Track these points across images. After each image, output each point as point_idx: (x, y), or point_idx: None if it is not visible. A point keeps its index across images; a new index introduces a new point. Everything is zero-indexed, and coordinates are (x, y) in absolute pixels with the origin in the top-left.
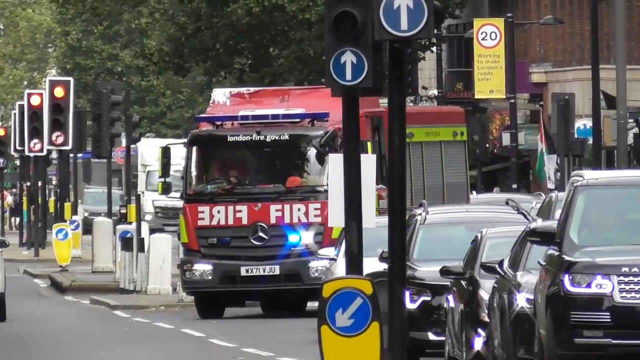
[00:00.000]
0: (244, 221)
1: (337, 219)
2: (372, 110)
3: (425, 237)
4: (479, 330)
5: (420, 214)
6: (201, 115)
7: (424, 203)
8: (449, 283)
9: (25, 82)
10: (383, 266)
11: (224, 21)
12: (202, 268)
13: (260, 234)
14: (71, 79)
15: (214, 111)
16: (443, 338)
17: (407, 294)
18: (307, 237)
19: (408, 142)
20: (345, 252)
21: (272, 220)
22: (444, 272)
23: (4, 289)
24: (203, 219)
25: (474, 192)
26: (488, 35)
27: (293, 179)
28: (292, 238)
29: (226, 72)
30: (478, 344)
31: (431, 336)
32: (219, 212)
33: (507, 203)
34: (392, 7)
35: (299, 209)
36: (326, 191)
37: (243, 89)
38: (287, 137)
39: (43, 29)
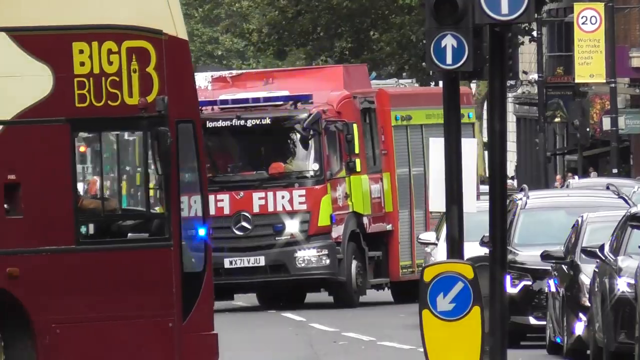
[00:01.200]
0: (226, 211)
1: (438, 204)
2: (361, 91)
3: (526, 222)
4: (580, 314)
5: (521, 199)
6: None
7: (525, 188)
8: (549, 267)
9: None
10: (484, 251)
11: (324, 4)
12: None
13: (243, 223)
14: None
15: None
16: (544, 322)
17: (508, 278)
18: (292, 226)
19: (406, 125)
20: (446, 237)
21: (256, 209)
22: (545, 256)
23: None
24: (182, 209)
25: (576, 177)
26: (588, 20)
27: (276, 165)
28: (277, 227)
29: (327, 56)
30: (579, 328)
31: (532, 320)
32: None
33: (607, 188)
34: None
35: (283, 197)
36: (311, 177)
37: (225, 72)
38: (268, 121)
39: None
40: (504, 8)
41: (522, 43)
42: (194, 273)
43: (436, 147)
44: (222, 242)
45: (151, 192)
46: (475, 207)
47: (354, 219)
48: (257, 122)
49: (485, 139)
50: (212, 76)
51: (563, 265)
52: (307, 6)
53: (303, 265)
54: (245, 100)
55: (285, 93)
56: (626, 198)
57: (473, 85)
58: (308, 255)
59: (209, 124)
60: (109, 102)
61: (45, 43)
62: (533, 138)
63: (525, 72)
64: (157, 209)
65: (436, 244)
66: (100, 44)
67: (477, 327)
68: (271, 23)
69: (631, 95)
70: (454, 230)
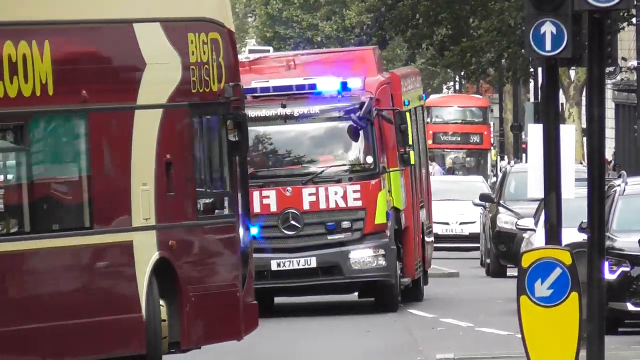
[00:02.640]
0: (273, 208)
1: (536, 190)
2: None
3: (625, 208)
4: None
5: (620, 185)
6: None
7: (623, 174)
8: None
9: None
10: (582, 237)
11: None
12: None
13: (292, 222)
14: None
15: None
16: None
17: (606, 264)
18: (346, 224)
19: (407, 111)
20: (545, 223)
21: (306, 206)
22: None
23: None
24: None
25: None
26: None
27: (327, 158)
28: (329, 226)
29: (427, 44)
30: None
31: (630, 307)
32: None
33: None
34: None
35: (335, 192)
36: (366, 170)
37: (241, 57)
38: (317, 110)
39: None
40: None
41: (622, 29)
42: (244, 247)
43: (534, 133)
44: (269, 242)
45: (225, 173)
46: (574, 193)
47: (394, 215)
48: (305, 112)
49: (584, 125)
50: None
51: None
52: None
53: (358, 267)
54: (288, 88)
55: (323, 79)
56: None
57: (572, 72)
58: (363, 256)
59: (252, 113)
60: (205, 88)
61: (176, 33)
62: (632, 125)
63: (624, 59)
64: (229, 188)
65: (535, 230)
66: (199, 35)
67: (575, 313)
68: (371, 10)
69: None
70: (552, 217)
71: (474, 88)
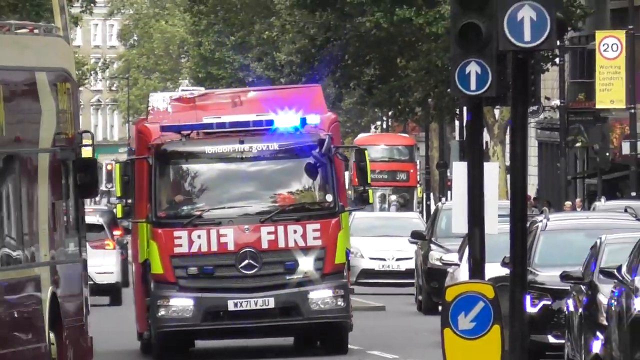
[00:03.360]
0: (230, 247)
1: (461, 226)
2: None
3: (546, 243)
4: (598, 333)
5: (542, 221)
6: (166, 124)
7: (545, 210)
8: (569, 287)
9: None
10: (505, 271)
11: (352, 33)
12: (181, 303)
13: (250, 261)
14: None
15: (156, 119)
16: (563, 341)
17: (528, 298)
18: (305, 264)
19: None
20: (468, 258)
21: (264, 245)
22: (564, 277)
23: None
24: (180, 245)
25: (603, 199)
26: (610, 47)
27: (286, 196)
28: (288, 265)
29: (355, 84)
30: (596, 346)
31: (551, 339)
32: (199, 236)
33: (625, 210)
34: (516, 19)
35: (295, 231)
36: (325, 209)
37: (185, 92)
38: (276, 147)
39: (176, 40)
40: (527, 35)
41: (547, 70)
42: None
43: (459, 170)
44: (225, 282)
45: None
46: (497, 228)
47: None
48: (264, 148)
49: (508, 163)
50: (171, 97)
51: (582, 286)
52: (336, 34)
53: (317, 307)
54: (245, 124)
55: (273, 116)
56: None
57: (496, 111)
58: (323, 297)
59: (208, 150)
60: (66, 134)
61: (53, 81)
62: (555, 162)
63: (547, 98)
64: (80, 230)
65: (459, 265)
66: (62, 84)
67: (497, 345)
68: (301, 51)
69: None
70: (476, 251)
71: (401, 127)
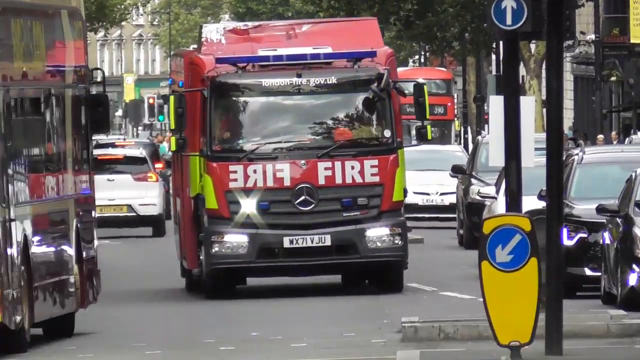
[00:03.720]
0: (286, 182)
1: (497, 159)
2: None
3: (582, 176)
4: (634, 266)
5: (577, 154)
6: (221, 56)
7: (581, 143)
8: (605, 220)
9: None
10: (542, 204)
11: None
12: (236, 239)
13: (307, 197)
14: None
15: (210, 50)
16: (599, 274)
17: (565, 231)
18: (362, 201)
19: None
20: (505, 191)
21: (321, 181)
22: (600, 209)
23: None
24: (236, 180)
25: (639, 132)
26: None
27: (343, 131)
28: (345, 202)
29: (394, 19)
30: (633, 279)
31: (587, 272)
32: (255, 171)
33: None
34: None
35: (352, 167)
36: (384, 145)
37: (240, 24)
38: (334, 80)
39: None
40: None
41: (582, 5)
42: None
43: (495, 104)
44: (281, 218)
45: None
46: (533, 161)
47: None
48: (322, 82)
49: (544, 97)
50: (224, 28)
51: (617, 218)
52: None
53: (374, 245)
54: (302, 57)
55: (330, 50)
56: None
57: (532, 46)
58: (380, 235)
59: (266, 83)
60: (80, 71)
61: (72, 19)
62: (590, 96)
63: (582, 33)
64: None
65: (495, 198)
66: (77, 23)
67: (534, 278)
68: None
69: None
70: (513, 184)
71: (438, 61)
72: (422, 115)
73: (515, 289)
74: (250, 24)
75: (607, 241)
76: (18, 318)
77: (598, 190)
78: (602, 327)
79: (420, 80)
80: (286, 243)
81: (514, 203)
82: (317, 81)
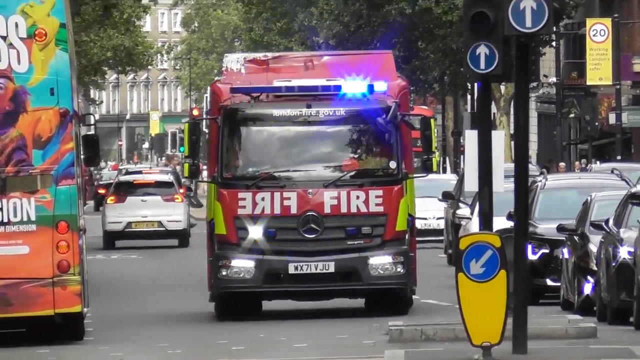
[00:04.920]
0: (293, 210)
1: (472, 184)
2: None
3: (545, 200)
4: (589, 277)
5: (541, 181)
6: (236, 86)
7: (544, 172)
8: (564, 238)
9: (216, 71)
10: (510, 224)
11: (380, 20)
12: (242, 264)
13: (312, 225)
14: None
15: (229, 80)
16: (559, 284)
17: (530, 247)
18: (366, 230)
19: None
20: (479, 212)
21: (327, 210)
22: (560, 229)
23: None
24: (244, 207)
25: (598, 162)
26: (598, 32)
27: (350, 162)
28: (350, 230)
29: None
30: (587, 288)
31: (549, 282)
32: (263, 199)
33: (612, 172)
34: (518, 7)
35: (357, 197)
36: (389, 176)
37: (260, 55)
38: (343, 112)
39: (230, 27)
40: (528, 22)
41: (544, 54)
42: None
43: (470, 138)
44: (287, 245)
45: None
46: (503, 187)
47: (409, 222)
48: (330, 113)
49: (512, 131)
50: (245, 58)
51: (575, 236)
52: (367, 21)
53: (377, 273)
54: (314, 88)
55: (343, 82)
56: (627, 180)
57: (502, 87)
58: (383, 263)
59: (277, 113)
60: None
61: None
62: (552, 131)
63: (545, 76)
64: None
65: (470, 218)
66: None
67: (503, 287)
68: (336, 35)
69: (633, 95)
70: (485, 207)
71: (421, 100)
72: (429, 147)
73: (487, 296)
74: (270, 54)
75: (566, 256)
76: (85, 309)
77: (558, 212)
78: (561, 330)
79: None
80: (291, 269)
81: (486, 223)
82: (326, 112)
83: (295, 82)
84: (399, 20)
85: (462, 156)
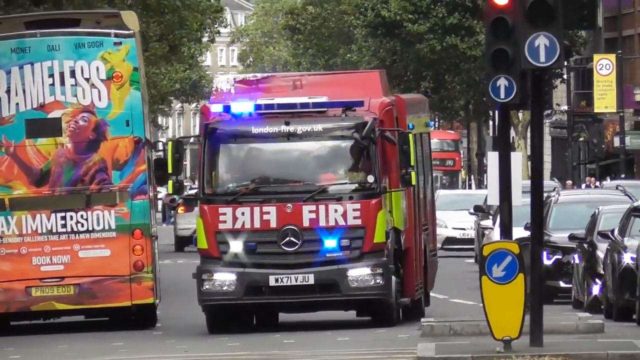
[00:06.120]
0: (273, 224)
1: (494, 199)
2: (391, 99)
3: (558, 212)
4: (597, 280)
5: (554, 196)
6: (216, 104)
7: (557, 188)
8: (575, 245)
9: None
10: (527, 233)
11: (412, 56)
12: (224, 278)
13: (292, 238)
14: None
15: (217, 100)
16: (570, 286)
17: (545, 253)
18: (345, 242)
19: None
20: (500, 223)
21: (305, 223)
22: (571, 237)
23: None
24: (225, 222)
25: (608, 178)
26: (604, 66)
27: (328, 176)
28: (328, 243)
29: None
30: (596, 290)
31: (562, 284)
32: (243, 214)
33: (617, 188)
34: (534, 45)
35: (335, 210)
36: (367, 189)
37: (249, 75)
38: (320, 128)
39: (281, 61)
40: (542, 57)
41: (556, 85)
42: None
43: (492, 158)
44: (267, 258)
45: None
46: (521, 201)
47: (394, 235)
48: (308, 130)
49: (529, 153)
50: (234, 79)
51: (584, 244)
52: (400, 57)
53: (356, 284)
54: (293, 106)
55: (326, 99)
56: (630, 195)
57: (520, 114)
58: (361, 274)
59: (255, 130)
60: None
61: None
62: (563, 152)
63: (557, 105)
64: None
65: (492, 229)
66: None
67: (521, 289)
68: (374, 69)
69: (635, 121)
70: (505, 218)
71: (448, 125)
72: (407, 162)
73: (507, 297)
74: (259, 75)
75: (577, 261)
76: (157, 301)
77: (570, 222)
78: (572, 326)
79: (410, 129)
80: (272, 281)
81: (506, 232)
82: (304, 129)
83: (277, 100)
84: (428, 56)
85: (485, 174)
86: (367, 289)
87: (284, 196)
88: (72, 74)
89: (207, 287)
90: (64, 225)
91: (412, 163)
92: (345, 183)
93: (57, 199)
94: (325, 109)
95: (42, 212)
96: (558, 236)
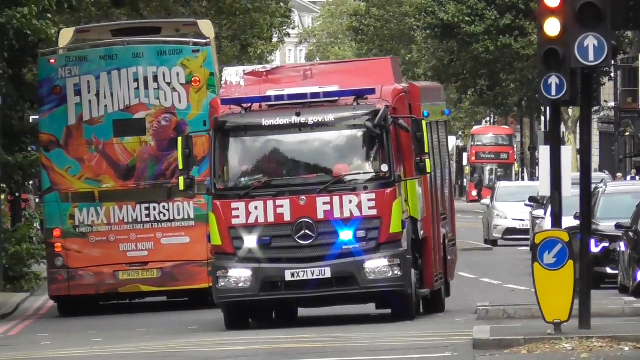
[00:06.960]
0: (287, 218)
1: (545, 190)
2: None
3: (605, 202)
4: None
5: (602, 187)
6: (226, 97)
7: (605, 179)
8: (621, 234)
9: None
10: (576, 223)
11: (469, 55)
12: (239, 274)
13: (306, 231)
14: None
15: (228, 93)
16: (617, 272)
17: (593, 241)
18: (360, 234)
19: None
20: (551, 213)
21: (320, 215)
22: (618, 226)
23: None
24: (238, 217)
25: None
26: None
27: (341, 167)
28: (344, 235)
29: (472, 92)
30: None
31: (609, 270)
32: (256, 208)
33: None
34: (583, 45)
35: (350, 201)
36: (381, 179)
37: (259, 67)
38: (332, 118)
39: None
40: (591, 56)
41: (604, 84)
42: None
43: (544, 152)
44: (282, 252)
45: None
46: (571, 192)
47: (411, 225)
48: (320, 120)
49: (578, 147)
50: (244, 71)
51: (630, 232)
52: (458, 57)
53: (373, 277)
54: (303, 96)
55: (335, 88)
56: None
57: (570, 110)
58: (378, 266)
59: (266, 122)
60: None
61: None
62: (611, 146)
63: (605, 101)
64: None
65: (544, 218)
66: None
67: (571, 275)
68: (433, 68)
69: None
70: (556, 208)
71: (503, 121)
72: (421, 149)
73: (558, 282)
74: (269, 66)
75: (623, 249)
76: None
77: (616, 212)
78: (619, 310)
79: (423, 116)
80: (288, 276)
81: (556, 222)
82: (315, 119)
83: (285, 91)
84: (484, 56)
85: (537, 167)
86: (385, 281)
87: (297, 188)
88: (155, 78)
89: (222, 284)
90: (148, 215)
91: (427, 150)
92: (359, 173)
93: (142, 191)
94: (336, 98)
95: (128, 204)
96: (605, 225)
